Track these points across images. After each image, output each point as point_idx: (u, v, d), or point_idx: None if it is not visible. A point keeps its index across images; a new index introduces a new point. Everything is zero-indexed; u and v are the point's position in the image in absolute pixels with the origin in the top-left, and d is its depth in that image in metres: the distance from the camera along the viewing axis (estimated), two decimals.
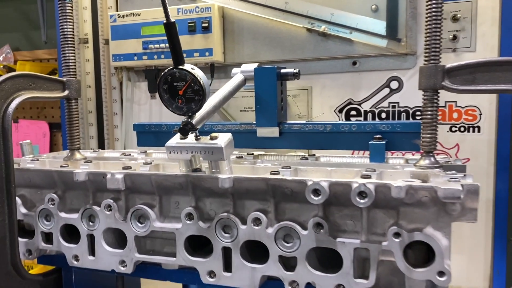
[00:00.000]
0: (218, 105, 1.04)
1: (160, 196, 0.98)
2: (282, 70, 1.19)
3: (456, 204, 0.78)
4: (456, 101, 1.50)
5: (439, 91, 0.96)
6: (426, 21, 0.95)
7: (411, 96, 1.54)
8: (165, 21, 0.88)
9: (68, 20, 1.22)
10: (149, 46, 1.76)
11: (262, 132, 1.19)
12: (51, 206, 1.04)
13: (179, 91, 0.90)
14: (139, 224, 0.98)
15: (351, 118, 1.63)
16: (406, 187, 0.78)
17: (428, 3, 0.94)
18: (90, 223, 1.02)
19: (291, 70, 1.19)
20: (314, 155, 1.14)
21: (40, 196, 1.08)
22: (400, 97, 1.56)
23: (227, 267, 0.92)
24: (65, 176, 1.03)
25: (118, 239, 1.02)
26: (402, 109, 1.56)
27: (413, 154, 1.18)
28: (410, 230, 0.80)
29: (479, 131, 1.49)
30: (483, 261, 1.52)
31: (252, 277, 0.90)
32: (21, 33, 2.76)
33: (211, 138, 0.91)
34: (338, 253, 0.84)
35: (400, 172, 0.94)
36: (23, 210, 1.09)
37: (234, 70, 1.21)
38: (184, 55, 1.61)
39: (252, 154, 1.20)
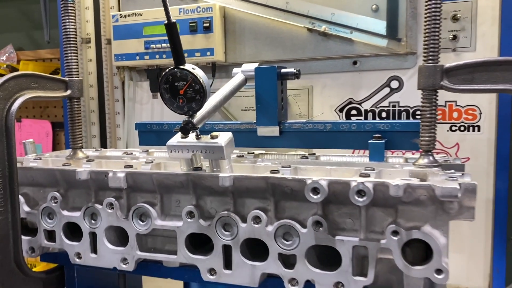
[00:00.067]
0: (219, 105, 1.05)
1: (161, 195, 0.99)
2: (283, 70, 1.20)
3: (453, 203, 0.79)
4: (456, 101, 1.51)
5: (438, 90, 0.97)
6: (425, 21, 0.96)
7: (411, 95, 1.55)
8: (166, 21, 0.89)
9: (71, 20, 1.23)
10: (151, 45, 1.77)
11: (263, 131, 1.20)
12: (53, 204, 1.06)
13: (180, 91, 0.91)
14: (141, 222, 0.99)
15: (352, 118, 1.63)
16: (404, 186, 0.79)
17: (427, 3, 0.95)
18: (92, 221, 1.03)
19: (291, 69, 1.19)
20: (314, 154, 1.14)
21: (43, 195, 1.09)
22: (400, 97, 1.57)
23: (228, 264, 0.93)
24: (67, 174, 1.04)
25: (119, 237, 1.03)
26: (402, 109, 1.57)
27: (413, 153, 1.19)
28: (408, 228, 0.81)
29: (479, 130, 1.50)
30: (482, 260, 1.52)
31: (252, 274, 0.91)
32: (24, 33, 2.77)
33: (212, 137, 0.92)
34: (337, 251, 0.85)
35: (399, 171, 0.94)
36: (26, 208, 1.10)
37: (235, 70, 1.22)
38: (186, 55, 1.63)
39: (253, 153, 1.21)
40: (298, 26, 1.63)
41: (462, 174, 0.87)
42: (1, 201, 0.99)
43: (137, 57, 1.81)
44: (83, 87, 1.26)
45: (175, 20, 0.89)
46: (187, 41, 1.70)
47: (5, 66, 2.58)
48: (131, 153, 1.29)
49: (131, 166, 1.01)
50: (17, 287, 1.04)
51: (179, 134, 0.95)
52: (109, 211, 1.00)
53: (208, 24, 1.68)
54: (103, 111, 2.03)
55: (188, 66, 0.91)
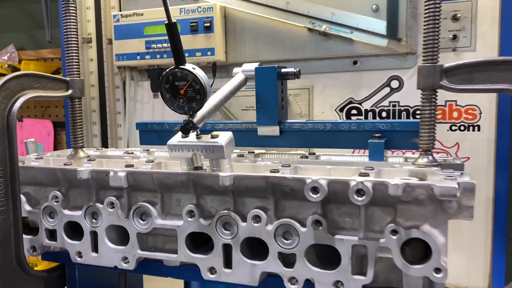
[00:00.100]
0: (219, 104, 1.06)
1: (162, 194, 0.99)
2: (283, 70, 1.20)
3: (452, 202, 0.79)
4: (456, 100, 1.51)
5: (437, 90, 0.97)
6: (425, 21, 0.96)
7: (411, 95, 1.55)
8: (166, 22, 0.89)
9: (72, 20, 1.23)
10: (152, 45, 1.78)
11: (263, 131, 1.20)
12: (55, 203, 1.06)
13: (181, 90, 0.92)
14: (141, 221, 0.99)
15: (352, 117, 1.64)
16: (403, 185, 0.79)
17: (427, 3, 0.95)
18: (93, 220, 1.04)
19: (291, 69, 1.20)
20: (314, 153, 1.15)
21: (44, 194, 1.10)
22: (400, 96, 1.57)
23: (228, 263, 0.93)
24: (68, 174, 1.05)
25: (120, 236, 1.04)
26: (402, 108, 1.57)
27: (413, 153, 1.19)
28: (407, 227, 0.81)
29: (479, 130, 1.50)
30: (482, 259, 1.52)
31: (252, 273, 0.91)
32: (26, 33, 2.78)
33: (212, 137, 0.92)
34: (337, 250, 0.85)
35: (398, 170, 0.95)
36: (27, 207, 1.10)
37: (235, 70, 1.23)
38: (186, 54, 1.63)
39: (253, 152, 1.22)
40: (299, 26, 1.63)
41: (461, 173, 0.87)
42: (2, 200, 0.99)
43: (138, 57, 1.82)
44: (84, 86, 1.27)
45: (175, 20, 0.89)
46: (188, 41, 1.70)
47: (6, 66, 2.58)
48: (132, 153, 1.29)
49: (132, 166, 1.01)
50: (18, 286, 1.05)
51: (180, 133, 0.95)
52: (110, 210, 1.01)
53: (208, 24, 1.68)
54: (104, 110, 2.04)
55: (188, 66, 0.91)
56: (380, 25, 1.52)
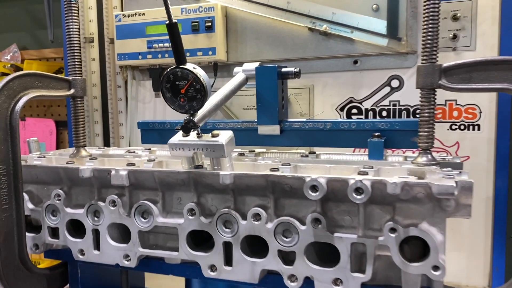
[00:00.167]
0: (220, 104, 1.06)
1: (163, 192, 1.00)
2: (283, 69, 1.21)
3: (450, 200, 0.80)
4: (456, 100, 1.51)
5: (436, 89, 0.98)
6: (424, 21, 0.97)
7: (411, 94, 1.56)
8: (167, 22, 0.90)
9: (74, 20, 1.24)
10: (154, 45, 1.79)
11: (263, 130, 1.21)
12: (57, 201, 1.07)
13: (181, 90, 0.92)
14: (143, 219, 1.00)
15: (352, 116, 1.64)
16: (401, 184, 0.80)
17: (426, 3, 0.96)
18: (95, 218, 1.04)
19: (291, 69, 1.21)
20: (314, 152, 1.16)
21: (47, 192, 1.11)
22: (400, 96, 1.58)
23: (228, 261, 0.94)
24: (71, 172, 1.06)
25: (122, 234, 1.05)
26: (402, 108, 1.58)
27: (413, 152, 1.20)
28: (405, 225, 0.82)
29: (479, 129, 1.50)
30: (482, 258, 1.53)
31: (252, 271, 0.92)
32: (28, 33, 2.79)
33: (213, 136, 0.93)
34: (336, 248, 0.86)
35: (397, 169, 0.95)
36: (30, 205, 1.11)
37: (236, 69, 1.23)
38: (188, 54, 1.64)
39: (254, 151, 1.22)
40: (299, 26, 1.64)
41: (460, 172, 0.88)
42: (5, 199, 1.00)
43: (140, 57, 1.83)
44: (86, 86, 1.28)
45: (176, 20, 0.90)
46: (189, 41, 1.71)
47: (9, 65, 2.60)
48: (134, 152, 1.30)
49: (133, 164, 1.02)
50: (21, 283, 1.06)
51: (181, 132, 0.96)
52: (112, 208, 1.02)
53: (210, 24, 1.69)
54: (106, 110, 2.05)
55: (189, 66, 0.92)
56: (381, 25, 1.53)
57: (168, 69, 0.93)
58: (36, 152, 1.30)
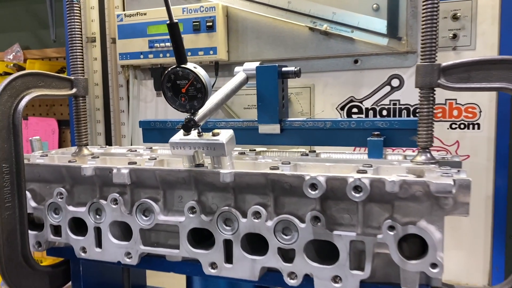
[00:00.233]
0: (220, 103, 1.07)
1: (164, 191, 1.01)
2: (283, 69, 1.21)
3: (448, 198, 0.80)
4: (456, 99, 1.52)
5: (435, 89, 0.99)
6: (423, 21, 0.97)
7: (411, 93, 1.56)
8: (168, 22, 0.91)
9: (76, 20, 1.25)
10: (155, 44, 1.80)
11: (264, 129, 1.22)
12: (59, 200, 1.08)
13: (182, 89, 0.93)
14: (144, 217, 1.01)
15: (353, 116, 1.65)
16: (400, 182, 0.80)
17: (425, 3, 0.96)
18: (97, 216, 1.05)
19: (292, 68, 1.21)
20: (314, 151, 1.16)
21: (49, 190, 1.12)
22: (401, 95, 1.59)
23: (228, 258, 0.95)
24: (73, 171, 1.07)
25: (124, 231, 1.06)
26: (403, 107, 1.58)
27: (413, 151, 1.20)
28: (404, 223, 0.83)
29: (478, 128, 1.51)
30: (482, 257, 1.54)
31: (252, 268, 0.93)
32: (31, 32, 2.81)
33: (213, 135, 0.94)
34: (335, 246, 0.87)
35: (396, 167, 0.96)
36: (32, 203, 1.12)
37: (237, 69, 1.24)
38: (189, 53, 1.65)
39: (254, 150, 1.23)
40: (300, 25, 1.65)
41: (458, 170, 0.88)
42: (8, 197, 1.01)
43: (141, 56, 1.84)
44: (88, 85, 1.28)
45: (177, 20, 0.91)
46: (190, 40, 1.72)
47: (12, 65, 2.61)
48: (135, 150, 1.31)
49: (134, 163, 1.03)
50: (24, 280, 1.07)
51: (182, 131, 0.97)
52: (114, 206, 1.02)
53: (211, 24, 1.70)
54: (108, 109, 2.06)
55: (190, 65, 0.93)
56: (381, 24, 1.54)
57: (169, 69, 0.94)
58: (39, 151, 1.31)
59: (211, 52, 1.72)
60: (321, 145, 1.20)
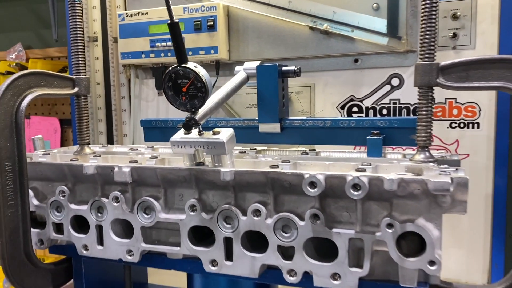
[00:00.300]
0: (221, 102, 1.08)
1: (165, 189, 1.02)
2: (284, 68, 1.22)
3: (446, 196, 0.81)
4: (456, 98, 1.53)
5: (434, 88, 0.99)
6: (422, 21, 0.98)
7: (411, 92, 1.57)
8: (169, 21, 0.92)
9: (78, 19, 1.26)
10: (156, 44, 1.81)
11: (264, 128, 1.22)
12: (61, 198, 1.09)
13: (183, 88, 0.94)
14: (145, 215, 1.02)
15: (353, 115, 1.66)
16: (398, 180, 0.81)
17: (423, 2, 0.97)
18: (99, 214, 1.06)
19: (292, 67, 1.22)
20: (314, 150, 1.17)
21: (51, 189, 1.13)
22: (401, 94, 1.59)
23: (229, 256, 0.96)
24: (75, 169, 1.08)
25: (125, 229, 1.06)
26: (402, 106, 1.59)
27: (413, 150, 1.21)
28: (402, 221, 0.83)
29: (478, 127, 1.51)
30: (482, 255, 1.54)
31: (252, 265, 0.94)
32: (33, 32, 2.82)
33: (214, 133, 0.95)
34: (334, 243, 0.88)
35: (395, 166, 0.96)
36: (35, 202, 1.13)
37: (237, 68, 1.25)
38: (190, 53, 1.66)
39: (255, 149, 1.24)
40: (300, 25, 1.65)
41: (456, 169, 0.89)
42: (11, 195, 1.02)
43: (143, 55, 1.84)
44: (90, 84, 1.29)
45: (177, 20, 0.92)
46: (191, 40, 1.73)
47: (14, 64, 2.62)
48: (137, 149, 1.32)
49: (136, 161, 1.04)
50: (26, 278, 1.08)
51: (182, 130, 0.97)
52: (115, 204, 1.03)
53: (212, 23, 1.71)
54: (109, 108, 2.07)
55: (190, 64, 0.94)
56: (381, 24, 1.54)
57: (170, 68, 0.95)
58: (41, 149, 1.31)
59: (212, 51, 1.73)
60: (321, 144, 1.20)
